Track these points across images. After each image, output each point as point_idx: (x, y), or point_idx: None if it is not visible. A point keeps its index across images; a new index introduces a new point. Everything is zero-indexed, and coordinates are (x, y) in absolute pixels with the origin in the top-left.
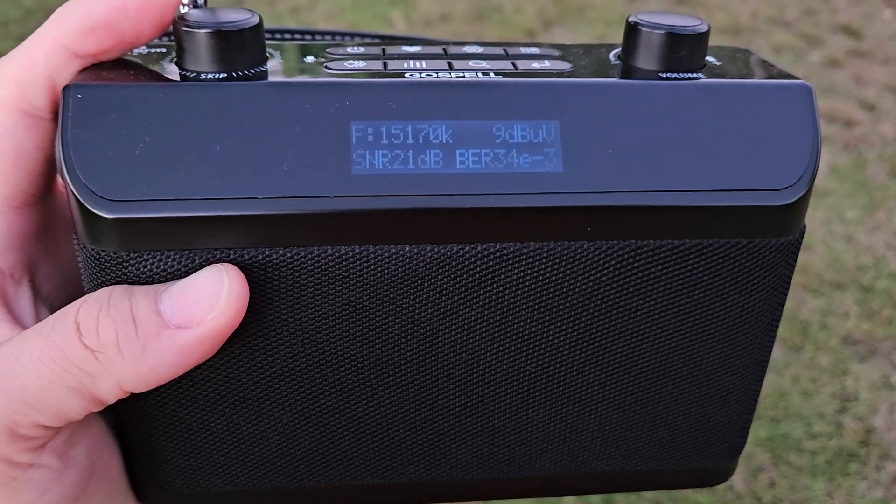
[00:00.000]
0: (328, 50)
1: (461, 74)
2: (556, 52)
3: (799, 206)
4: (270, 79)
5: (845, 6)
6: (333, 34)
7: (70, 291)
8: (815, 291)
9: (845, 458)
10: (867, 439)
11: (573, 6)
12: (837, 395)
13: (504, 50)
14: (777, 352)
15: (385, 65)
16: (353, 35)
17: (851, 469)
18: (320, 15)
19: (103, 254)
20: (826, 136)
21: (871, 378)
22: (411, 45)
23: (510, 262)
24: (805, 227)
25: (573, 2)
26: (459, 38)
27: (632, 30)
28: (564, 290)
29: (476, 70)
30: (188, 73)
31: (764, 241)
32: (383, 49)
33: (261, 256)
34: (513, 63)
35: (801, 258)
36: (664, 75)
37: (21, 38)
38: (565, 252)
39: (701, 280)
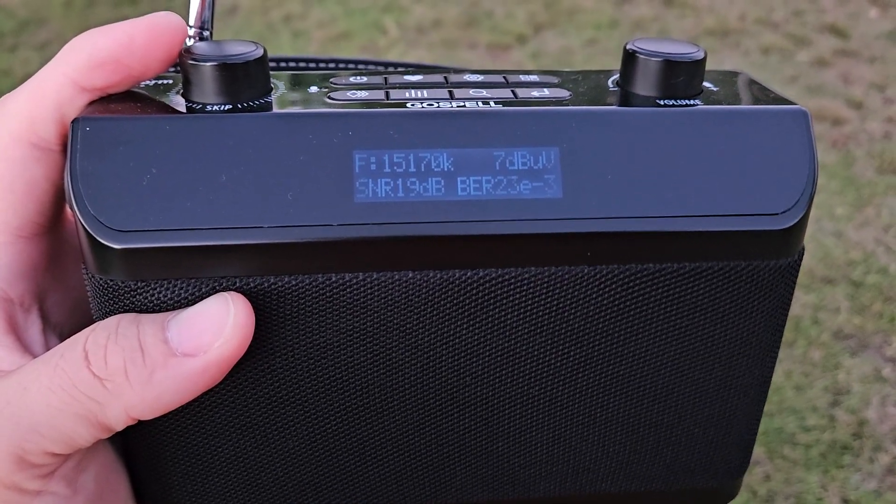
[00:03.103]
0: (331, 80)
1: (462, 103)
2: (555, 80)
3: (797, 229)
4: (275, 110)
5: (832, 6)
6: (337, 62)
7: (79, 320)
8: (806, 287)
9: (839, 451)
10: (860, 432)
11: (563, 10)
12: (830, 388)
13: (504, 78)
14: None
15: (387, 94)
16: (355, 63)
17: (845, 461)
18: (313, 23)
19: (111, 283)
20: (815, 133)
21: (863, 371)
22: (413, 73)
23: (512, 287)
24: (804, 248)
25: (563, 6)
26: (451, 43)
27: (629, 57)
28: (566, 314)
29: (476, 99)
30: (194, 105)
31: (763, 263)
32: (385, 78)
33: (266, 284)
34: (512, 91)
35: None
36: (662, 102)
37: (15, 50)
38: (566, 277)
39: (701, 302)
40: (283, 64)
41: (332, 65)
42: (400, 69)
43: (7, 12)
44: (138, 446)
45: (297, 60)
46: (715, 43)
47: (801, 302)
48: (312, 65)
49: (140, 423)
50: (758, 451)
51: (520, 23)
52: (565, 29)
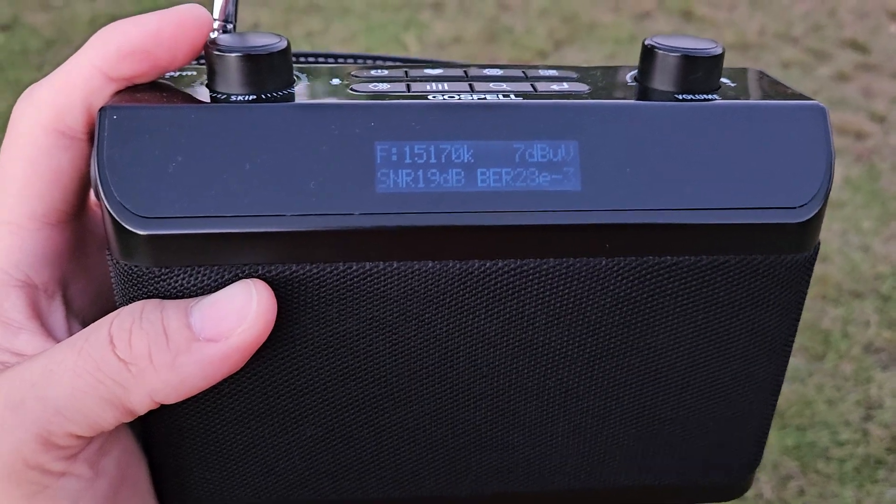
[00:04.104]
0: (353, 73)
1: (482, 96)
2: (574, 75)
3: (814, 223)
4: (298, 100)
5: (851, 21)
6: (357, 58)
7: (101, 307)
8: (834, 301)
9: (873, 465)
10: (894, 446)
11: (583, 26)
12: (862, 402)
13: (523, 72)
14: (800, 361)
15: (408, 87)
16: (376, 59)
17: (879, 476)
18: (333, 39)
19: (136, 269)
20: (838, 148)
21: (895, 385)
22: (433, 68)
23: (530, 277)
24: (819, 243)
25: (583, 21)
26: (472, 58)
27: (648, 53)
28: (583, 305)
29: (496, 92)
30: (218, 95)
31: (780, 257)
32: (406, 72)
33: (288, 272)
34: (532, 85)
35: (820, 268)
36: (680, 97)
37: (41, 68)
38: (584, 268)
39: (718, 295)
40: (303, 59)
41: (351, 60)
42: (420, 64)
43: (33, 31)
44: (158, 432)
45: (317, 55)
46: (735, 57)
47: (831, 315)
48: (333, 60)
49: (160, 408)
50: (791, 465)
51: (540, 38)
52: (585, 44)
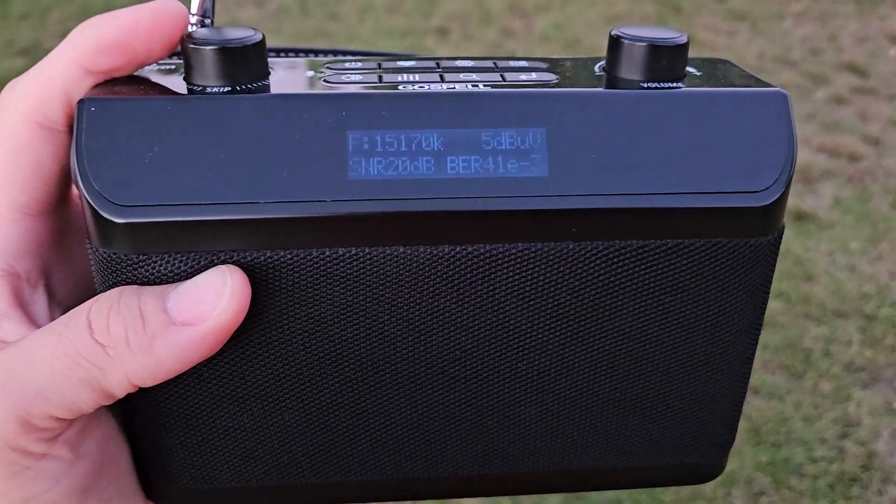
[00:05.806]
0: (326, 65)
1: (452, 86)
2: (544, 65)
3: (776, 207)
4: (272, 91)
5: (851, 45)
6: (333, 52)
7: (82, 296)
8: (817, 320)
9: (847, 483)
10: (869, 464)
11: (584, 50)
12: (839, 420)
13: (493, 63)
14: (779, 379)
15: (380, 77)
16: (352, 53)
17: (853, 493)
18: None
19: (114, 256)
20: (830, 169)
21: (874, 404)
22: (406, 60)
23: (499, 262)
24: (784, 226)
25: (584, 46)
26: None
27: (615, 42)
28: (552, 289)
29: (466, 82)
30: (195, 87)
31: (743, 240)
32: (379, 63)
33: (262, 258)
34: (501, 75)
35: (805, 288)
36: (645, 85)
37: None
38: (552, 252)
39: (684, 279)
40: (282, 54)
41: (329, 55)
42: (393, 58)
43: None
44: (139, 416)
45: (295, 50)
46: None
47: (813, 334)
48: (311, 55)
49: (140, 393)
50: (764, 481)
51: None
52: None
